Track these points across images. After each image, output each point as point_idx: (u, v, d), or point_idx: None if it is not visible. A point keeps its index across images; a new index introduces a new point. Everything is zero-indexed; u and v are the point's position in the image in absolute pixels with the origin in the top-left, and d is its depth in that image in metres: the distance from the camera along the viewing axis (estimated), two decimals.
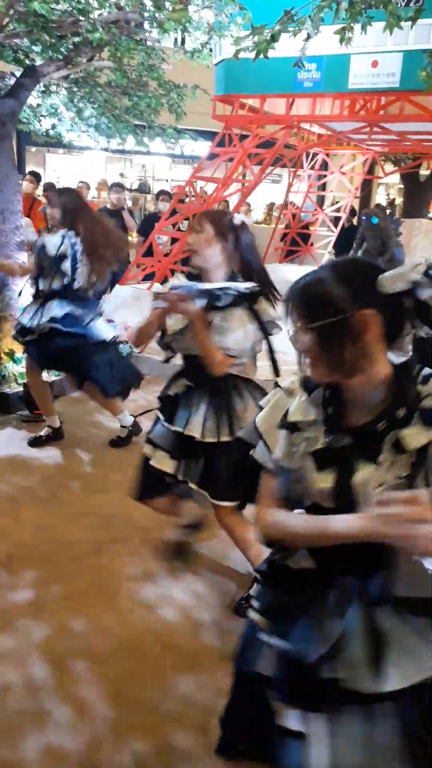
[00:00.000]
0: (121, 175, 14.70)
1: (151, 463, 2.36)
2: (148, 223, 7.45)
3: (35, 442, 3.90)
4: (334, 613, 1.09)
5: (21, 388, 4.40)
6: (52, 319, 3.53)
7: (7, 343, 4.59)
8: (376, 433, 1.08)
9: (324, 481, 1.11)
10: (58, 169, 15.50)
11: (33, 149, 14.99)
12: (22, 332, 3.69)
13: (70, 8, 3.83)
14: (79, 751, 1.88)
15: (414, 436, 1.06)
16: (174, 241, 6.86)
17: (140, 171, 16.83)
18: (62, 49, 4.41)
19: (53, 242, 3.43)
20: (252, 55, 2.70)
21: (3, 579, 2.64)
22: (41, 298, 3.59)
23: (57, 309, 3.53)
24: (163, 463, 2.33)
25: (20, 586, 2.60)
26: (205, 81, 5.69)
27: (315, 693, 1.08)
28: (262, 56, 2.64)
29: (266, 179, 9.37)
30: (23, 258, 4.67)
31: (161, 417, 2.38)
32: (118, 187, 7.84)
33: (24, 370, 4.53)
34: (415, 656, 1.04)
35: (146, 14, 3.82)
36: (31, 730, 1.93)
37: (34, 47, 4.55)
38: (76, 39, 4.20)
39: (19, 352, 4.56)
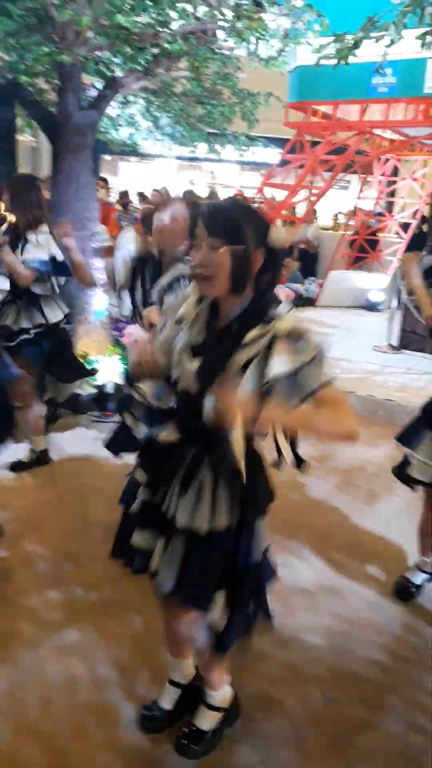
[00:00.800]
0: (191, 182, 14.89)
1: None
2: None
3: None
4: (179, 474, 1.61)
5: (94, 390, 4.53)
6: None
7: (81, 346, 4.75)
8: (232, 332, 1.48)
9: (193, 364, 1.52)
10: (130, 177, 15.89)
11: (107, 157, 15.43)
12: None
13: (151, 20, 3.94)
14: (142, 747, 1.91)
15: (252, 333, 1.45)
16: None
17: (210, 178, 17.00)
18: (141, 61, 4.53)
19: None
20: (332, 61, 2.69)
21: (73, 575, 2.72)
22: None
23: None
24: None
25: (89, 582, 2.67)
26: (276, 88, 5.69)
27: (159, 524, 1.67)
28: (342, 62, 2.62)
29: (334, 185, 9.26)
30: (98, 264, 4.81)
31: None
32: (190, 194, 7.90)
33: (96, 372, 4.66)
34: (217, 510, 1.57)
35: (225, 24, 3.87)
36: (97, 724, 1.98)
37: (115, 59, 4.70)
38: (155, 50, 4.31)
39: (95, 354, 4.69)
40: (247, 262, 1.42)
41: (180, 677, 1.99)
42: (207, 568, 1.61)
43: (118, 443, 2.54)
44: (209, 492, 1.58)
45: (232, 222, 1.41)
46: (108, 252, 4.13)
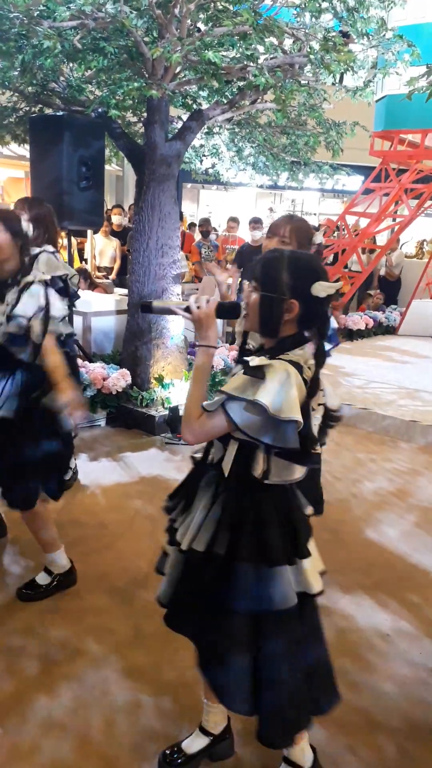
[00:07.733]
0: (270, 209, 15.01)
1: None
2: (243, 256, 6.98)
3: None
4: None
5: (167, 412, 4.59)
6: None
7: (157, 369, 4.84)
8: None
9: None
10: (211, 204, 16.25)
11: (188, 185, 15.86)
12: None
13: (239, 55, 4.01)
14: None
15: (257, 360, 1.53)
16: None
17: (289, 205, 17.09)
18: (227, 94, 4.63)
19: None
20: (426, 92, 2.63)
21: (141, 597, 2.73)
22: None
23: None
24: None
25: (154, 606, 2.66)
26: (362, 116, 5.65)
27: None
28: None
29: (420, 213, 9.05)
30: (177, 290, 4.91)
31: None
32: (256, 223, 7.29)
33: (170, 395, 4.73)
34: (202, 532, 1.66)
35: (312, 57, 3.88)
36: (156, 751, 1.95)
37: (201, 92, 4.82)
38: (241, 83, 4.38)
39: (168, 378, 4.77)
40: (278, 310, 1.51)
41: (212, 725, 1.93)
42: (191, 593, 1.74)
43: None
44: (204, 512, 1.67)
45: (270, 271, 1.52)
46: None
